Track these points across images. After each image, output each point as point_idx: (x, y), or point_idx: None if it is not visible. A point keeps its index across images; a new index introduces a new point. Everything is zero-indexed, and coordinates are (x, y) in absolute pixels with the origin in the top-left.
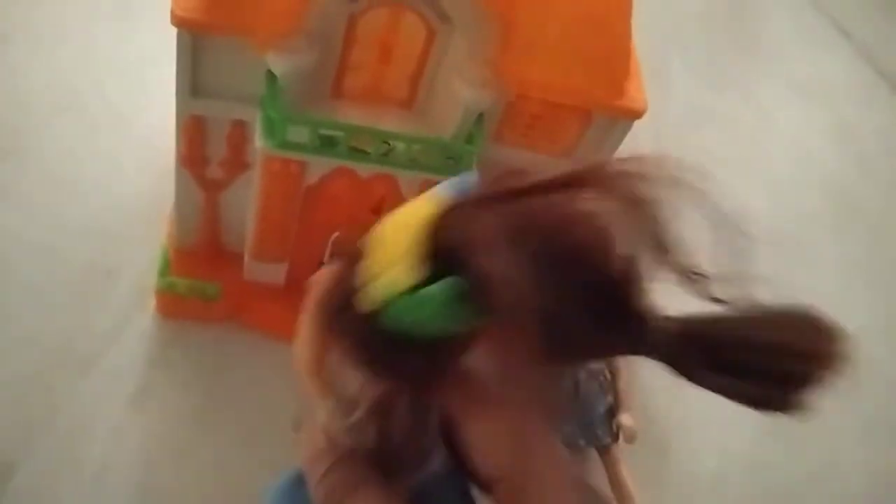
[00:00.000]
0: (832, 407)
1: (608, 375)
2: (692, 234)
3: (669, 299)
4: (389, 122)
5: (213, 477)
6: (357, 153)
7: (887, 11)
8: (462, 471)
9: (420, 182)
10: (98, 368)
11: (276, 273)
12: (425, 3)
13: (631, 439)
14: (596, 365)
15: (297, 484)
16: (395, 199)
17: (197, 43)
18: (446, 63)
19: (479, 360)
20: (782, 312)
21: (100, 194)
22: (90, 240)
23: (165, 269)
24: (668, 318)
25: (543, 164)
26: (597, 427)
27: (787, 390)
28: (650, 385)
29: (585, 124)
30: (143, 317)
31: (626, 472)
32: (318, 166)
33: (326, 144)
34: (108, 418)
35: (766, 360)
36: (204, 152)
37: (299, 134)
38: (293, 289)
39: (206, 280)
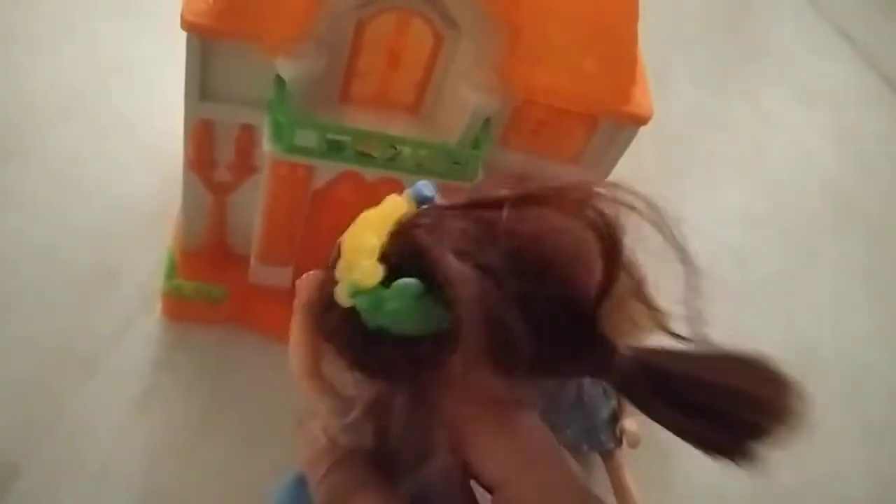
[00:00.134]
0: (834, 411)
1: None
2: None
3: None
4: (396, 126)
5: (217, 478)
6: (364, 157)
7: (889, 15)
8: (465, 472)
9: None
10: (102, 370)
11: (282, 276)
12: (433, 8)
13: (634, 444)
14: None
15: (303, 483)
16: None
17: (206, 48)
18: (453, 69)
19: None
20: (742, 358)
21: (104, 196)
22: (94, 241)
23: (171, 272)
24: (628, 346)
25: (549, 169)
26: (600, 432)
27: (738, 437)
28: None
29: (591, 130)
30: (148, 319)
31: (630, 477)
32: (325, 170)
33: (334, 149)
34: (111, 420)
35: (720, 402)
36: (212, 156)
37: (307, 138)
38: None
39: (212, 283)
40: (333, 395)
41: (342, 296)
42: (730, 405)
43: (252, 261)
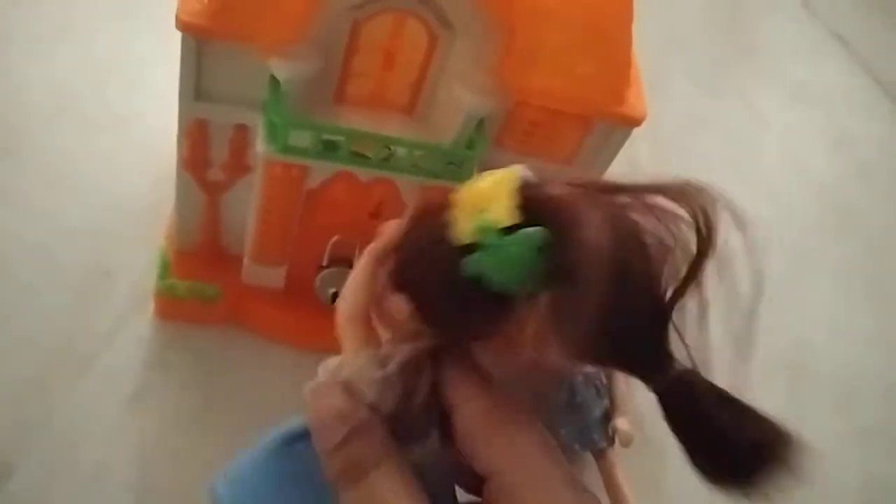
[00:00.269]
0: (829, 414)
1: (604, 379)
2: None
3: None
4: (391, 127)
5: (210, 478)
6: (358, 158)
7: (885, 19)
8: (456, 460)
9: (420, 186)
10: (96, 369)
11: (275, 276)
12: (428, 9)
13: (627, 443)
14: (592, 369)
15: (279, 452)
16: (395, 203)
17: (201, 48)
18: (448, 69)
19: (497, 345)
20: (765, 418)
21: (98, 195)
22: (88, 241)
23: (165, 271)
24: (680, 362)
25: (542, 170)
26: (592, 431)
27: (730, 470)
28: (647, 390)
29: (585, 131)
30: (142, 318)
31: (622, 476)
32: (320, 171)
33: (328, 149)
34: (105, 419)
35: (729, 440)
36: (206, 155)
37: (301, 138)
38: (292, 292)
39: (206, 282)
40: (375, 346)
41: (465, 232)
42: (735, 444)
43: (245, 260)
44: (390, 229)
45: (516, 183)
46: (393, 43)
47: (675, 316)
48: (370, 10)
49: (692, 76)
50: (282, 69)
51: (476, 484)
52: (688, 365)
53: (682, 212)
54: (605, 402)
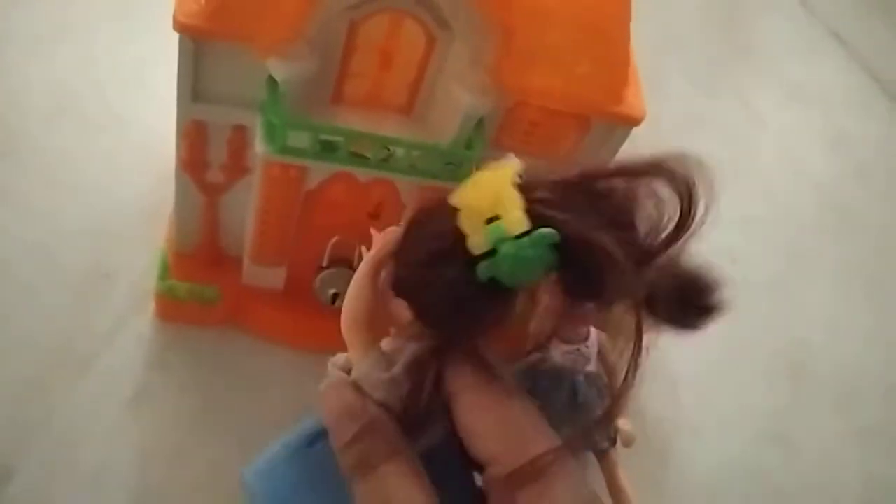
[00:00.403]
0: (829, 414)
1: (606, 380)
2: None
3: None
4: (389, 127)
5: (210, 479)
6: (357, 158)
7: (883, 18)
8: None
9: (418, 187)
10: (96, 370)
11: (274, 277)
12: (426, 10)
13: (628, 444)
14: (594, 370)
15: (302, 449)
16: (394, 203)
17: (199, 49)
18: (446, 70)
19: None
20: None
21: (98, 196)
22: (88, 241)
23: (165, 273)
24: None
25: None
26: (594, 431)
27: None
28: (648, 390)
29: (584, 131)
30: (141, 319)
31: (624, 476)
32: (318, 171)
33: (326, 149)
34: (105, 420)
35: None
36: (204, 156)
37: (299, 139)
38: (292, 293)
39: (205, 283)
40: (380, 350)
41: (479, 244)
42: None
43: (245, 261)
44: (388, 237)
45: (515, 185)
46: (390, 43)
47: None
48: (367, 10)
49: (689, 75)
50: (279, 69)
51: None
52: None
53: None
54: (607, 402)
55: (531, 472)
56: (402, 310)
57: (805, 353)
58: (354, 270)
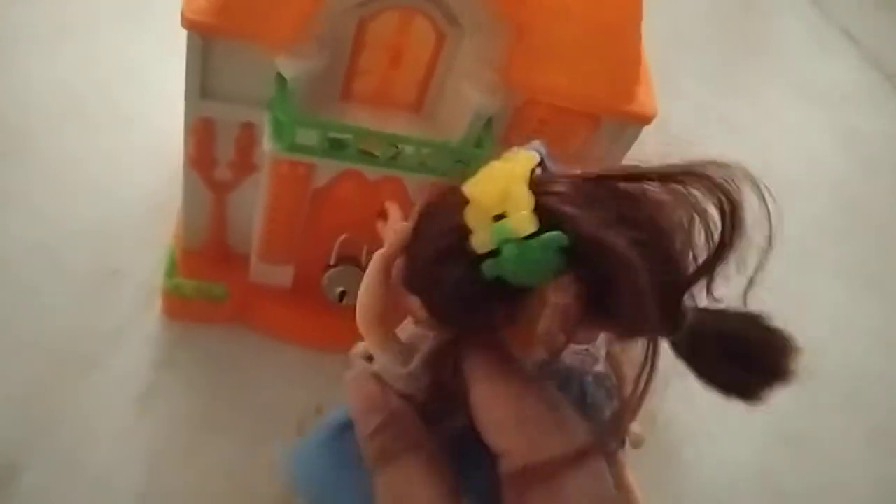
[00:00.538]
0: (838, 415)
1: (615, 381)
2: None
3: None
4: (398, 125)
5: (219, 478)
6: (365, 156)
7: (893, 15)
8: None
9: (427, 185)
10: (103, 370)
11: (282, 275)
12: (435, 6)
13: (637, 445)
14: (602, 370)
15: (338, 435)
16: (402, 201)
17: (207, 46)
18: (456, 67)
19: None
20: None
21: (102, 195)
22: (93, 241)
23: (172, 270)
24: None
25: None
26: (603, 433)
27: (759, 382)
28: (661, 392)
29: (594, 129)
30: (149, 318)
31: (632, 478)
32: (327, 169)
33: (335, 147)
34: (113, 420)
35: (752, 355)
36: (212, 154)
37: (308, 136)
38: (300, 291)
39: (213, 281)
40: (397, 344)
41: (485, 243)
42: (761, 357)
43: (252, 259)
44: (398, 232)
45: (527, 181)
46: (399, 40)
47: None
48: (375, 7)
49: (700, 73)
50: (288, 67)
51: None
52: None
53: (706, 196)
54: (616, 403)
55: (543, 471)
56: (415, 304)
57: (816, 353)
58: (362, 269)
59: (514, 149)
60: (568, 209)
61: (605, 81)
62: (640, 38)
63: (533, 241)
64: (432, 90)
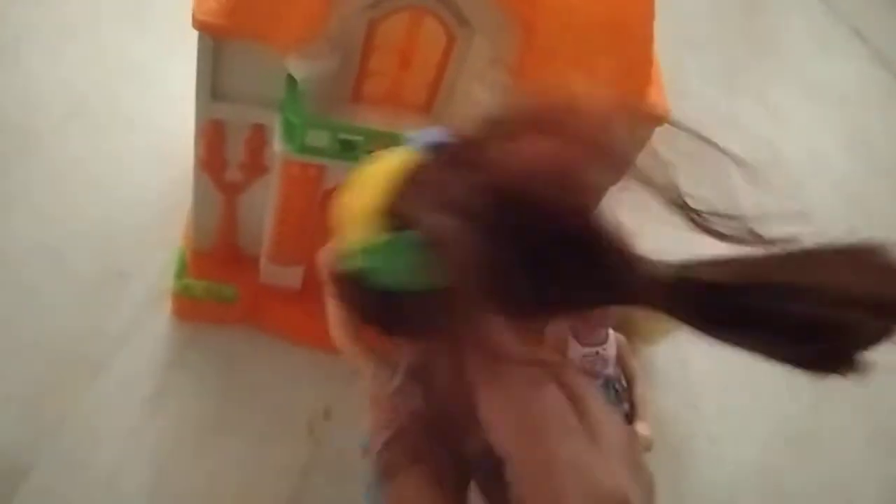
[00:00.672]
0: (840, 415)
1: (624, 384)
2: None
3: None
4: (408, 126)
5: (228, 478)
6: None
7: None
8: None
9: None
10: (113, 370)
11: (292, 276)
12: (445, 7)
13: (645, 448)
14: (612, 373)
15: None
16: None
17: (218, 47)
18: (466, 68)
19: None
20: (831, 250)
21: (112, 197)
22: (99, 242)
23: (182, 271)
24: (664, 263)
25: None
26: None
27: (837, 347)
28: (665, 394)
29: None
30: (159, 319)
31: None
32: (337, 170)
33: (345, 148)
34: (123, 420)
35: (809, 308)
36: (223, 155)
37: (318, 138)
38: (309, 292)
39: (223, 282)
40: (377, 361)
41: (347, 258)
42: (830, 309)
43: (263, 260)
44: (324, 257)
45: (381, 190)
46: (409, 42)
47: None
48: (386, 8)
49: (709, 73)
50: (299, 68)
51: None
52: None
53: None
54: (625, 406)
55: (542, 474)
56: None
57: None
58: None
59: (392, 151)
60: (409, 206)
61: (617, 82)
62: (652, 38)
63: (378, 249)
64: (442, 91)
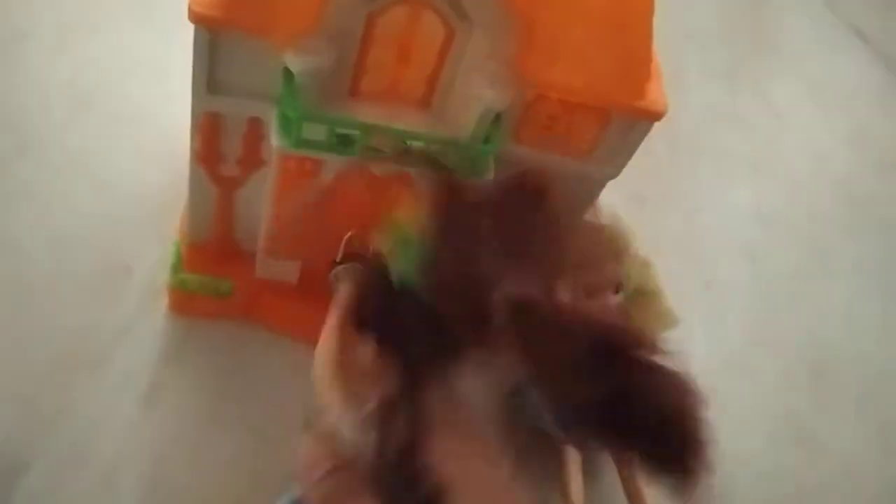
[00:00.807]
0: (846, 413)
1: None
2: None
3: None
4: (406, 121)
5: (226, 474)
6: (373, 152)
7: None
8: None
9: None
10: (110, 366)
11: (289, 271)
12: (445, 0)
13: None
14: None
15: None
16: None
17: (214, 40)
18: (465, 63)
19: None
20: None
21: (114, 190)
22: (100, 237)
23: (178, 266)
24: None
25: (561, 164)
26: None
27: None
28: None
29: (604, 125)
30: (156, 313)
31: (644, 484)
32: (334, 164)
33: (343, 143)
34: (120, 415)
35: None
36: (219, 149)
37: (315, 132)
38: (306, 287)
39: (219, 277)
40: (350, 391)
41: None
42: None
43: (259, 255)
44: (344, 295)
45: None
46: (408, 36)
47: None
48: (384, 2)
49: (709, 71)
50: (296, 62)
51: None
52: None
53: None
54: None
55: None
56: (366, 352)
57: (826, 350)
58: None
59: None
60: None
61: (615, 77)
62: (651, 33)
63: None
64: (441, 86)
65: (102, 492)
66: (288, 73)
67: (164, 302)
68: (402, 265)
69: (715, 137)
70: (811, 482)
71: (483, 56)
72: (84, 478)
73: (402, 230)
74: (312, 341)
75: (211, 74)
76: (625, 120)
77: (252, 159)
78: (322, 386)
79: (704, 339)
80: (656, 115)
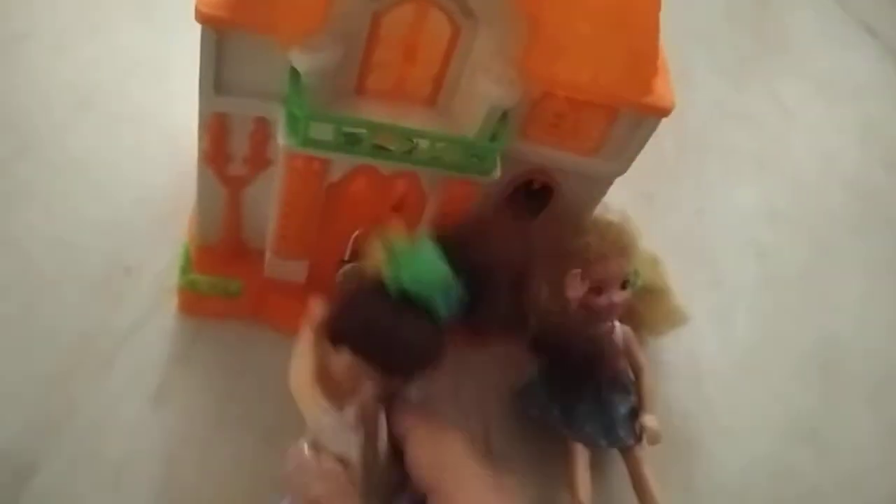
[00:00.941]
0: (858, 410)
1: (631, 376)
2: None
3: None
4: (413, 119)
5: (234, 474)
6: (380, 150)
7: None
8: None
9: (443, 180)
10: (118, 366)
11: (297, 270)
12: None
13: (654, 441)
14: (620, 365)
15: None
16: (418, 196)
17: (221, 40)
18: (471, 61)
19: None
20: None
21: (120, 191)
22: (110, 237)
23: (187, 266)
24: None
25: (568, 161)
26: (619, 428)
27: None
28: (674, 386)
29: (611, 122)
30: (164, 314)
31: (649, 473)
32: (341, 164)
33: (349, 142)
34: (128, 416)
35: None
36: (226, 149)
37: (322, 131)
38: (314, 286)
39: (228, 277)
40: (329, 401)
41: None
42: None
43: (267, 254)
44: (317, 306)
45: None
46: (414, 34)
47: None
48: (390, 0)
49: (718, 67)
50: (302, 61)
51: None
52: None
53: None
54: (633, 398)
55: None
56: (341, 361)
57: (836, 348)
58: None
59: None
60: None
61: (622, 73)
62: (657, 29)
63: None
64: (447, 84)
65: (111, 492)
66: (294, 73)
67: (172, 302)
68: (392, 273)
69: (723, 135)
70: (822, 480)
71: (489, 54)
72: (92, 478)
73: (392, 241)
74: None
75: (218, 75)
76: (632, 116)
77: (259, 159)
78: (301, 391)
79: (713, 338)
80: (664, 111)
